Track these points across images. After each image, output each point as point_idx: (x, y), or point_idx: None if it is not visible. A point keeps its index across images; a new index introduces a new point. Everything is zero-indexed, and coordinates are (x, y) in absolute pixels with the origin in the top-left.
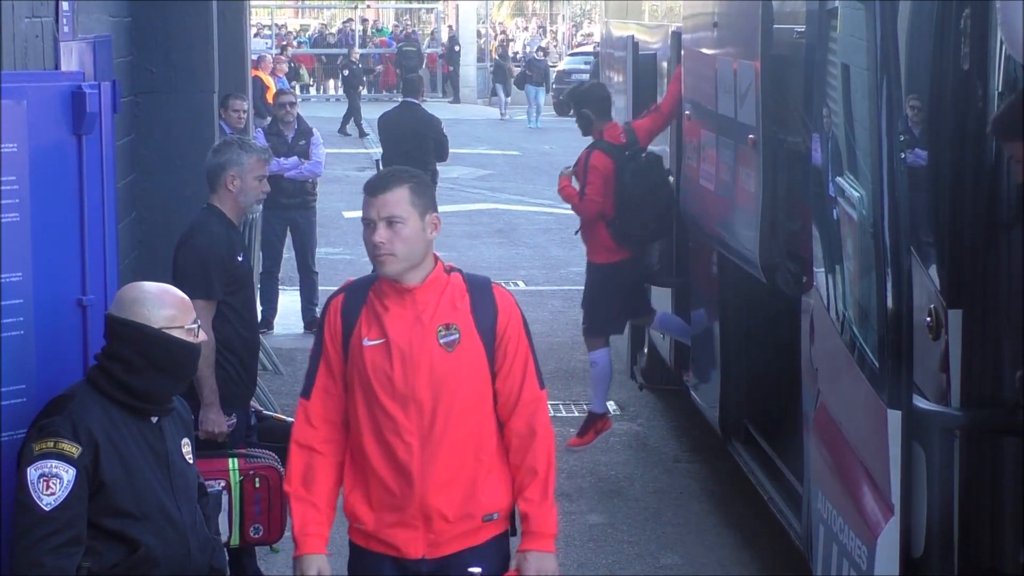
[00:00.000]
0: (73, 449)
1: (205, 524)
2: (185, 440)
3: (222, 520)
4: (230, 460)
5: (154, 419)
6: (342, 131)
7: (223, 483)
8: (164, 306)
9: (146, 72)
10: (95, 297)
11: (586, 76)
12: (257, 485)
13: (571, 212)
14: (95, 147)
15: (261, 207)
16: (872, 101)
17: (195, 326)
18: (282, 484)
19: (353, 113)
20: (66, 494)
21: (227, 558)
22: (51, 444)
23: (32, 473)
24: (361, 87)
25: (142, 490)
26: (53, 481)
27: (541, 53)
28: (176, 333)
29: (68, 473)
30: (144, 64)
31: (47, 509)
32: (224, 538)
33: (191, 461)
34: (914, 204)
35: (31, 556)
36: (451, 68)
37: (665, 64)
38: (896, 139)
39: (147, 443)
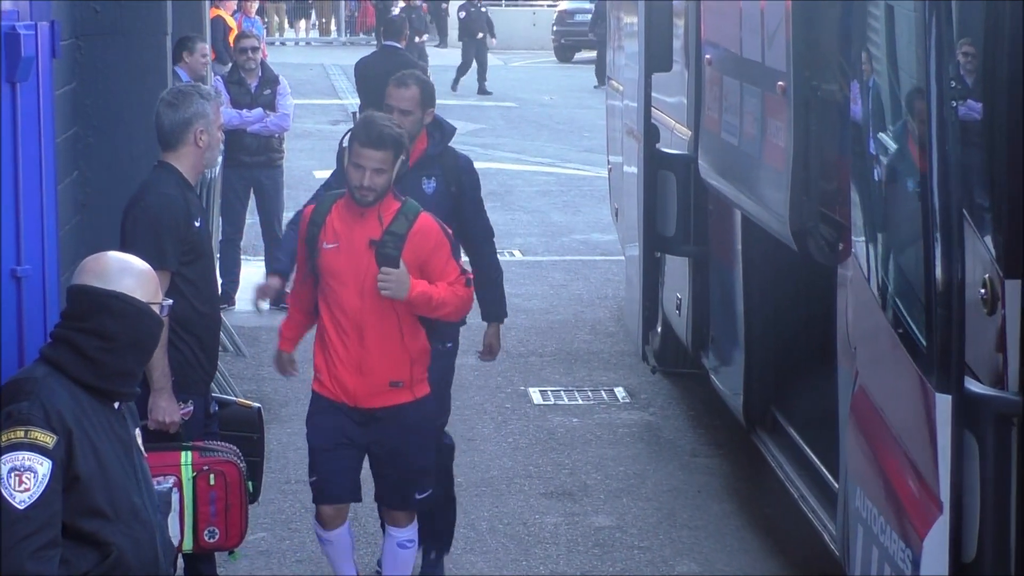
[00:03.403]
0: (48, 439)
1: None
2: (138, 430)
3: (172, 521)
4: (182, 454)
5: (116, 405)
6: (454, 87)
7: (173, 479)
8: (149, 280)
9: (90, 11)
10: (31, 267)
11: (590, 17)
12: (212, 482)
13: (576, 171)
14: (31, 96)
15: (220, 165)
16: (919, 44)
17: (168, 304)
18: (242, 481)
19: (479, 67)
20: (42, 490)
21: (176, 566)
22: (22, 433)
23: (2, 467)
24: (482, 33)
25: (114, 484)
26: (27, 476)
27: None
28: (155, 309)
29: (43, 466)
30: (87, 2)
31: (21, 508)
32: (175, 542)
33: (145, 453)
34: (967, 161)
35: (10, 561)
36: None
37: (683, 2)
38: (947, 87)
39: (114, 432)
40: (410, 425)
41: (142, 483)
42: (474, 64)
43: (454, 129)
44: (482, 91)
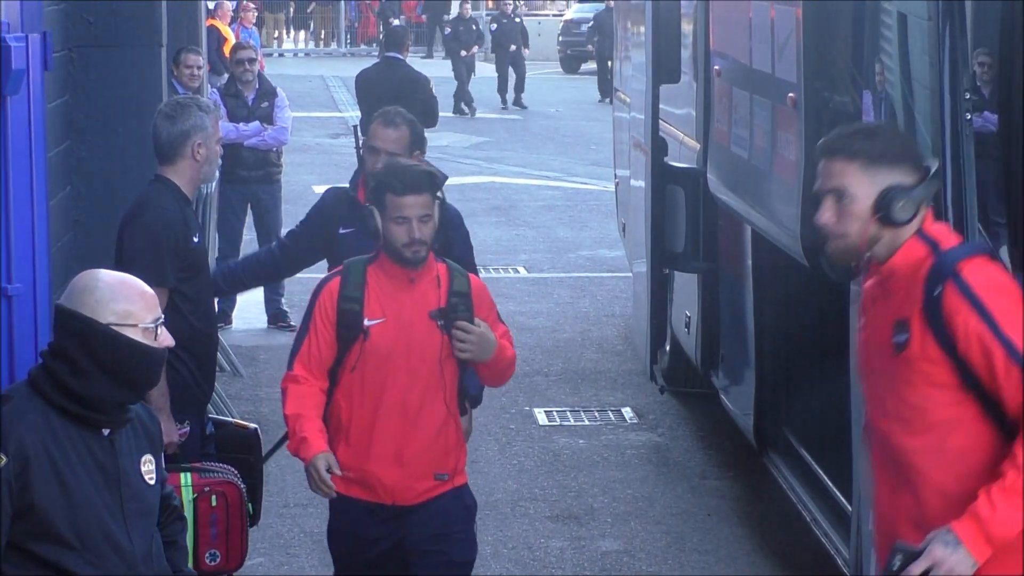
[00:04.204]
0: None
1: (164, 554)
2: (147, 457)
3: None
4: (182, 475)
5: (105, 431)
6: (457, 109)
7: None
8: (118, 299)
9: (83, 22)
10: (22, 286)
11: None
12: (213, 504)
13: (582, 185)
14: (22, 110)
15: (217, 180)
16: (933, 54)
17: (153, 325)
18: (242, 502)
19: (516, 79)
20: None
21: None
22: None
23: None
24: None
25: (84, 514)
26: None
27: None
28: (129, 332)
29: None
30: (80, 12)
31: None
32: None
33: (152, 481)
34: (982, 175)
35: None
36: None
37: (691, 11)
38: (961, 99)
39: (94, 459)
40: (449, 515)
41: (130, 514)
42: (479, 74)
43: (446, 176)
44: (517, 103)
